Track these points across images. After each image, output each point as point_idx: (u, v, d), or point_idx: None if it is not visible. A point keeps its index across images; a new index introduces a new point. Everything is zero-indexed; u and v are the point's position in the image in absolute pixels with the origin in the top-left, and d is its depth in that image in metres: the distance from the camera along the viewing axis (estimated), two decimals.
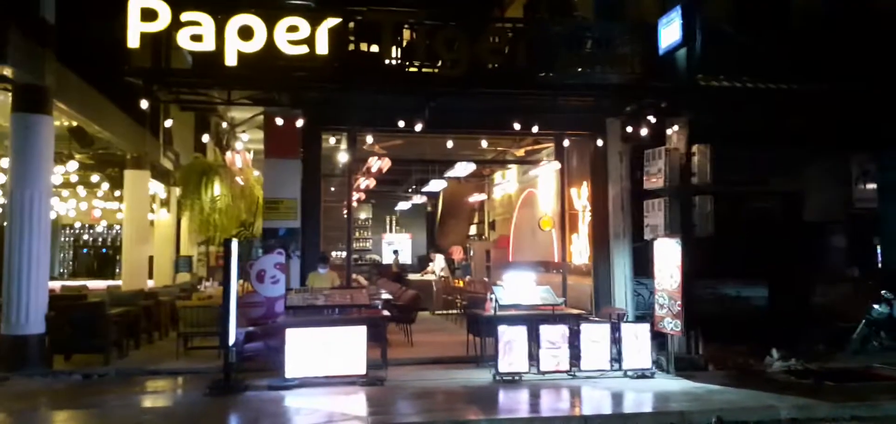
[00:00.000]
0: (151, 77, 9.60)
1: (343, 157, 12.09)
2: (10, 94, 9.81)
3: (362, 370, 8.75)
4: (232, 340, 8.55)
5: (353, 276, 13.57)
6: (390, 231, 25.42)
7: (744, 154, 11.04)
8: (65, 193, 19.16)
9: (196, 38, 9.21)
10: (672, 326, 9.56)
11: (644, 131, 10.55)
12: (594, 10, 11.69)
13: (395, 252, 22.18)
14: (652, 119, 10.48)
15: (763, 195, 11.79)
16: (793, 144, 11.17)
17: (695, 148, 9.94)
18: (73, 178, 16.63)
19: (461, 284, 15.83)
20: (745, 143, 10.79)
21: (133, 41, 9.10)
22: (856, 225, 11.86)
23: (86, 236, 25.55)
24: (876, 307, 10.60)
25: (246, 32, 9.28)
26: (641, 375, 9.28)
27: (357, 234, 24.08)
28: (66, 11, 10.24)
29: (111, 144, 14.16)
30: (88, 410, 7.71)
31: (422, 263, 22.30)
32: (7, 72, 9.36)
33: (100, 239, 25.56)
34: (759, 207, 11.80)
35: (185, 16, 9.19)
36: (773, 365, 9.91)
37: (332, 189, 17.03)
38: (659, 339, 9.84)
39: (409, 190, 21.36)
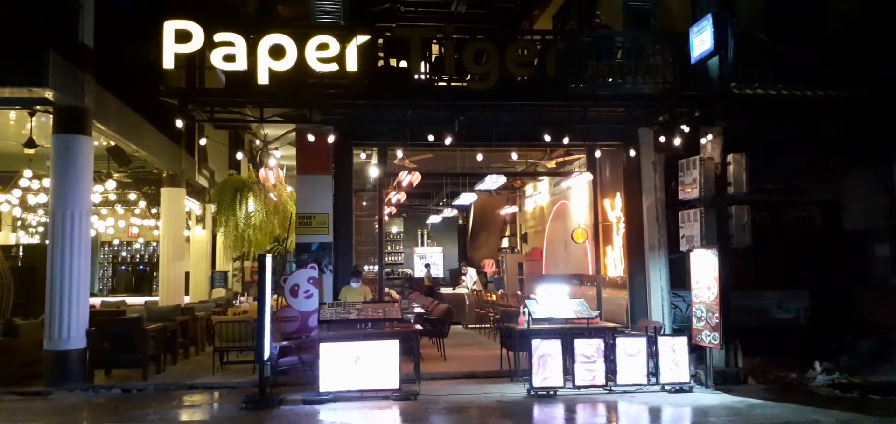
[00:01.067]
0: (186, 97, 9.80)
1: (374, 171, 12.17)
2: (51, 116, 10.09)
3: (396, 384, 8.75)
4: (267, 354, 8.62)
5: (386, 290, 13.60)
6: (422, 245, 25.44)
7: (780, 163, 10.85)
8: (104, 211, 19.54)
9: (229, 58, 9.37)
10: (710, 339, 9.38)
11: (678, 141, 10.41)
12: (623, 20, 11.61)
13: (427, 266, 22.19)
14: (685, 129, 10.35)
15: (801, 204, 11.52)
16: (831, 151, 10.93)
17: (730, 157, 9.78)
18: (112, 196, 17.01)
19: (494, 297, 15.76)
20: (781, 151, 10.60)
21: (168, 62, 9.29)
22: None
23: (124, 253, 26.01)
24: None
25: (277, 51, 9.40)
26: (679, 389, 9.11)
27: (389, 248, 24.17)
28: (103, 35, 10.53)
29: (148, 163, 14.45)
30: None
31: (454, 276, 22.28)
32: (48, 94, 9.62)
33: (137, 256, 26.01)
34: (797, 216, 11.54)
35: (218, 36, 9.35)
36: (816, 379, 9.65)
37: (364, 204, 17.15)
38: (697, 352, 9.67)
39: (440, 203, 21.38)
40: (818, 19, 11.39)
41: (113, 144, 12.34)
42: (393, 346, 8.85)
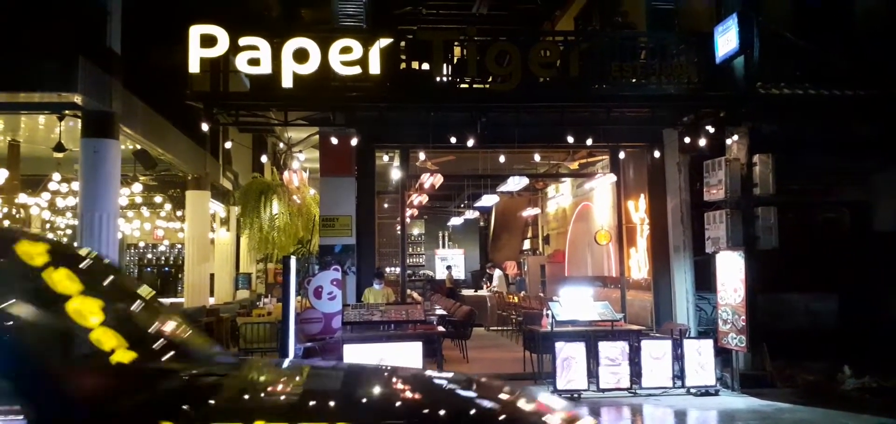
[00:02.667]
0: (211, 101, 9.90)
1: (396, 174, 12.21)
2: (79, 120, 10.24)
3: None
4: (291, 355, 8.66)
5: (408, 292, 13.63)
6: (443, 247, 25.47)
7: (808, 163, 10.66)
8: (130, 214, 19.84)
9: (253, 61, 9.45)
10: (737, 341, 9.28)
11: (703, 142, 10.30)
12: (647, 20, 11.51)
13: (449, 268, 22.19)
14: (710, 129, 10.24)
15: (829, 205, 11.34)
16: (860, 151, 10.72)
17: (756, 158, 9.66)
18: (138, 199, 17.22)
19: (516, 299, 15.71)
20: (808, 151, 10.43)
21: (194, 66, 9.39)
22: None
23: (149, 255, 26.39)
24: None
25: (301, 55, 9.46)
26: (705, 392, 9.01)
27: (410, 250, 24.20)
28: (130, 40, 10.66)
29: (173, 166, 14.61)
30: None
31: (475, 278, 22.25)
32: (77, 99, 9.76)
33: (163, 258, 26.37)
34: (825, 217, 11.36)
35: (243, 41, 9.44)
36: (846, 382, 9.48)
37: (386, 206, 17.21)
38: (723, 355, 9.56)
39: (462, 205, 21.38)
40: (846, 18, 11.19)
41: (139, 147, 12.50)
42: (416, 348, 8.87)
